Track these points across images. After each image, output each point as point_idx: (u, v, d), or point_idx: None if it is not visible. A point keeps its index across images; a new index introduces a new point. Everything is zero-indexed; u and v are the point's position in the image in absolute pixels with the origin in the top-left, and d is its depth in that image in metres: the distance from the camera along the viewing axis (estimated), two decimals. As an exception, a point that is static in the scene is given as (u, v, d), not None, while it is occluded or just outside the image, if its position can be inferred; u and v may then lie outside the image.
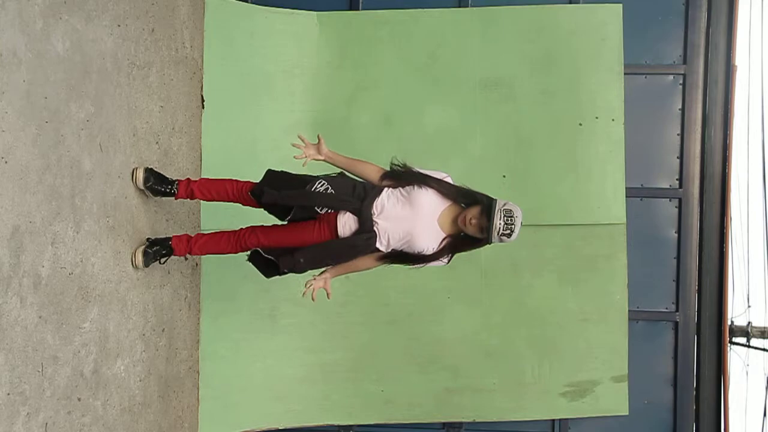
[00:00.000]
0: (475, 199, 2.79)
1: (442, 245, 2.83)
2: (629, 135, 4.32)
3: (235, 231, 3.03)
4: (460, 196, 2.83)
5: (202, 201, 3.81)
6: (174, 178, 3.17)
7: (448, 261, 2.91)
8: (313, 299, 2.92)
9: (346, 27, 4.43)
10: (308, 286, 2.91)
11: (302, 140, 2.92)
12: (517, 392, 4.36)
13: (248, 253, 3.04)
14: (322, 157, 2.92)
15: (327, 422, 4.39)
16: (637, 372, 4.35)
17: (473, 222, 2.71)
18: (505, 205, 2.70)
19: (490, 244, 2.78)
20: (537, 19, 4.36)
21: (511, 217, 2.68)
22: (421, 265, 2.88)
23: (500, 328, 4.35)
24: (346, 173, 2.99)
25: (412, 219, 2.78)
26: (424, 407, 4.38)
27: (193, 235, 3.15)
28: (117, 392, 2.98)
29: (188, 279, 3.78)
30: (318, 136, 2.95)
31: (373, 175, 2.88)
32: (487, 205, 2.72)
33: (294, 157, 2.90)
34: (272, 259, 2.91)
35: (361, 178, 2.93)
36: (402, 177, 2.86)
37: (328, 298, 2.98)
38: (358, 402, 4.37)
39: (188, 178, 3.17)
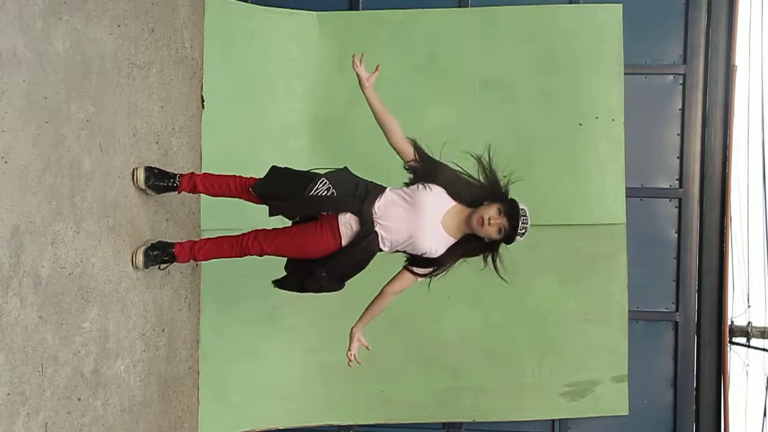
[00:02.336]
0: (492, 197, 2.74)
1: (453, 250, 2.79)
2: (629, 135, 4.32)
3: (238, 236, 2.99)
4: (485, 191, 2.77)
5: (202, 201, 3.82)
6: (176, 172, 3.16)
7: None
8: (359, 363, 2.95)
9: (346, 27, 4.43)
10: (350, 357, 2.93)
11: (361, 60, 2.87)
12: (517, 392, 4.36)
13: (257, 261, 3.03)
14: (368, 86, 2.84)
15: (327, 422, 4.39)
16: (637, 372, 4.35)
17: (492, 222, 2.66)
18: (519, 203, 2.69)
19: (508, 245, 2.74)
20: (537, 19, 4.36)
21: (526, 216, 2.67)
22: (435, 271, 2.85)
23: (500, 328, 4.35)
24: (350, 171, 2.98)
25: (414, 220, 2.76)
26: (424, 407, 4.38)
27: (195, 241, 3.12)
28: (117, 392, 2.98)
29: (188, 279, 3.78)
30: (377, 67, 2.87)
31: (397, 134, 2.81)
32: (509, 204, 2.69)
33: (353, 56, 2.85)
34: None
35: (384, 132, 2.84)
36: (423, 160, 2.81)
37: (369, 349, 2.98)
38: (358, 402, 4.37)
39: (192, 172, 3.16)
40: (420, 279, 2.89)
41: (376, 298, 2.96)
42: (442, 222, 2.78)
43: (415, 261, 2.87)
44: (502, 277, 2.79)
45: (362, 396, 4.36)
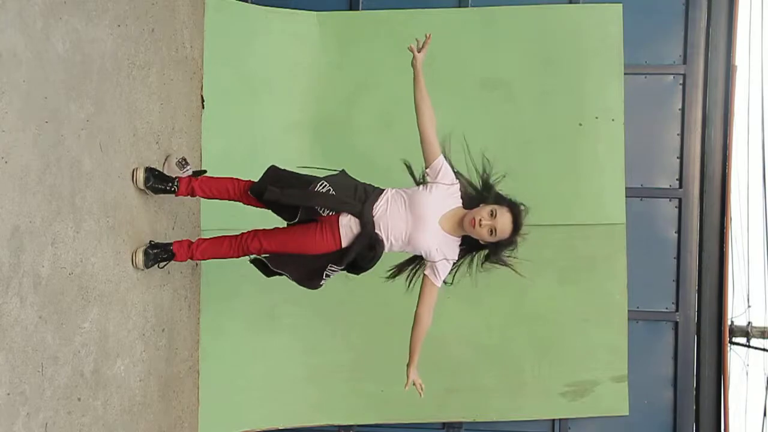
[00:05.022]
0: (484, 199, 2.77)
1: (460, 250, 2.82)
2: (629, 135, 4.32)
3: (237, 235, 3.00)
4: (470, 198, 2.82)
5: (202, 200, 3.82)
6: (175, 176, 3.16)
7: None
8: (422, 391, 2.97)
9: (346, 27, 4.43)
10: (416, 385, 2.96)
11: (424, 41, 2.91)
12: (517, 392, 4.36)
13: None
14: (417, 61, 2.90)
15: (327, 422, 4.39)
16: (637, 372, 4.35)
17: (483, 224, 2.68)
18: (517, 205, 2.74)
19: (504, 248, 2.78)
20: (537, 19, 4.36)
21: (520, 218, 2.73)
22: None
23: (500, 328, 4.35)
24: (348, 174, 2.97)
25: (410, 220, 2.77)
26: (424, 407, 4.37)
27: (194, 240, 3.13)
28: (117, 392, 2.98)
29: (188, 279, 3.78)
30: (427, 37, 2.91)
31: (432, 122, 2.88)
32: (503, 206, 2.71)
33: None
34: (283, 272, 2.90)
35: (419, 124, 2.88)
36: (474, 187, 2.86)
37: (421, 395, 2.99)
38: (358, 402, 4.37)
39: (189, 176, 3.16)
40: (438, 284, 2.88)
41: (413, 326, 2.94)
42: (440, 222, 2.79)
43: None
44: (516, 272, 2.86)
45: (362, 396, 4.36)
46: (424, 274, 2.88)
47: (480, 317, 4.34)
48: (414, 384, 2.94)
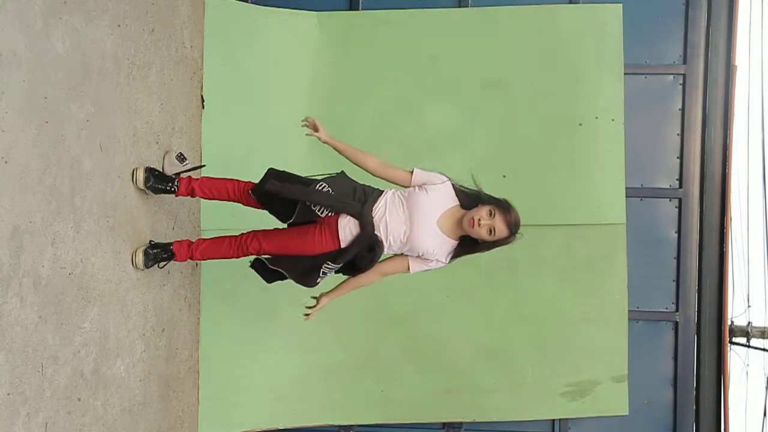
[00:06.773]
0: (481, 200, 2.79)
1: (453, 250, 2.85)
2: (629, 135, 4.32)
3: (236, 236, 3.01)
4: (467, 198, 2.85)
5: (202, 201, 3.82)
6: (174, 172, 3.17)
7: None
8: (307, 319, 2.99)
9: (346, 27, 4.43)
10: (307, 316, 2.98)
11: (309, 123, 2.93)
12: (517, 392, 4.36)
13: (251, 258, 3.02)
14: (323, 138, 2.90)
15: (327, 422, 4.39)
16: (637, 372, 4.35)
17: (482, 223, 2.71)
18: (511, 205, 2.76)
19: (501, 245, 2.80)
20: (537, 19, 4.36)
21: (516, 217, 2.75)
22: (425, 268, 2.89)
23: (500, 328, 4.35)
24: (347, 175, 2.98)
25: (408, 221, 2.79)
26: (424, 407, 4.38)
27: (194, 241, 3.13)
28: (117, 392, 2.98)
29: (188, 279, 3.78)
30: (306, 119, 2.94)
31: (374, 163, 2.89)
32: (499, 206, 2.74)
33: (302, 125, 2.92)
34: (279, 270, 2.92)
35: (363, 167, 2.91)
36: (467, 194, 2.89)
37: (306, 320, 3.01)
38: (358, 402, 4.37)
39: (189, 176, 3.17)
40: (412, 271, 2.90)
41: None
42: (437, 223, 2.80)
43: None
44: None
45: (362, 396, 4.36)
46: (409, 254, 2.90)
47: (480, 317, 4.34)
48: (315, 308, 2.98)
